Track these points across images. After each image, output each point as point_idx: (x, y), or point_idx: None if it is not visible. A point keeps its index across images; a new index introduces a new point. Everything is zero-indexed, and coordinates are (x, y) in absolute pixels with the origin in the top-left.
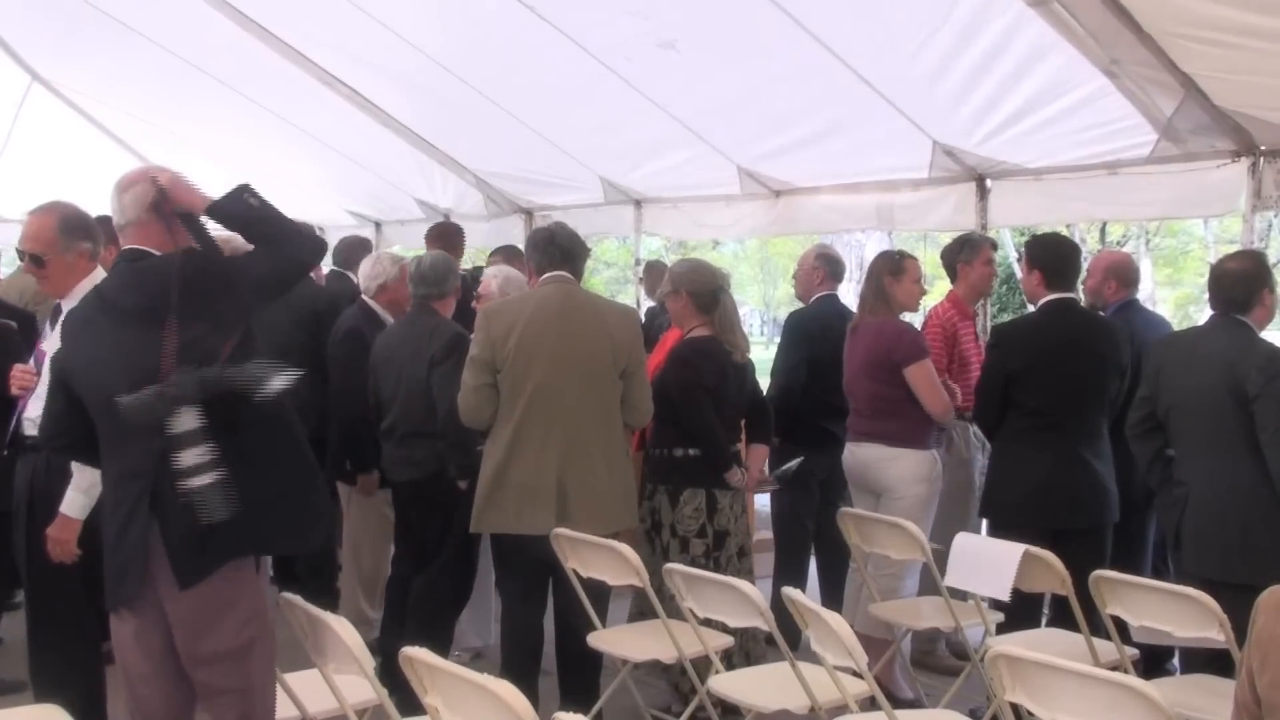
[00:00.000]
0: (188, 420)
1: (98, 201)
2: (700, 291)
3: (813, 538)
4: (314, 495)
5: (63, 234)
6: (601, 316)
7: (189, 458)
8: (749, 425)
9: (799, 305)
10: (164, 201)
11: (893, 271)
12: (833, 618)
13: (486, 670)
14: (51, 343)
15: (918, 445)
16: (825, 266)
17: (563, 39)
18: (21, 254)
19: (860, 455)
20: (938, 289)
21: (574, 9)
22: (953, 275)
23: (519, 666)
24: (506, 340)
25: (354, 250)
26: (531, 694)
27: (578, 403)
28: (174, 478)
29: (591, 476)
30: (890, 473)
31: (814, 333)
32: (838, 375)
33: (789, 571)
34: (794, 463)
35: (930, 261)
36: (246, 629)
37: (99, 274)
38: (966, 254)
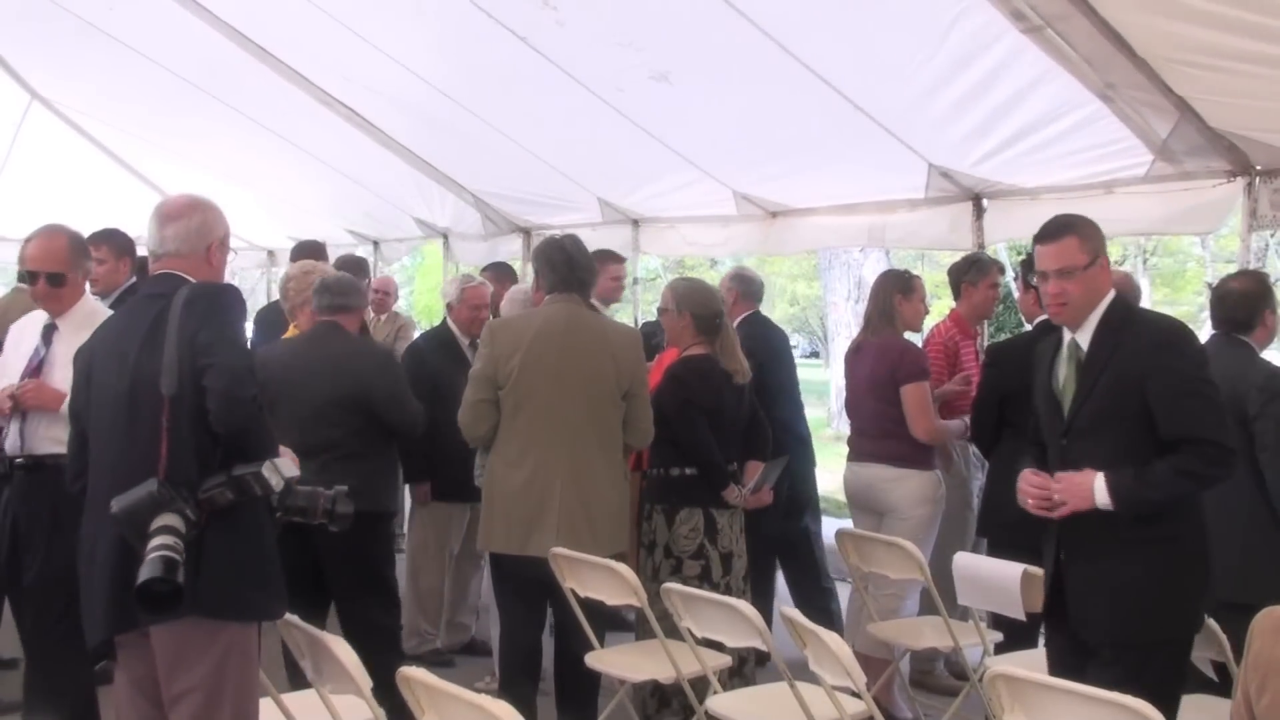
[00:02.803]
0: (167, 519)
1: (97, 218)
2: (703, 314)
3: (776, 552)
4: (269, 566)
5: (74, 254)
6: (606, 337)
7: (153, 543)
8: (745, 441)
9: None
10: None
11: (904, 290)
12: (831, 637)
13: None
14: (53, 360)
15: (923, 466)
16: (738, 287)
17: (556, 70)
18: (35, 275)
19: (864, 475)
20: (936, 308)
21: (566, 41)
22: (957, 294)
23: (517, 686)
24: (510, 358)
25: (351, 269)
26: (530, 714)
27: (581, 423)
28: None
29: (595, 498)
30: (896, 493)
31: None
32: (774, 390)
33: (755, 588)
34: (778, 463)
35: (930, 280)
36: (219, 673)
37: (89, 295)
38: (973, 275)
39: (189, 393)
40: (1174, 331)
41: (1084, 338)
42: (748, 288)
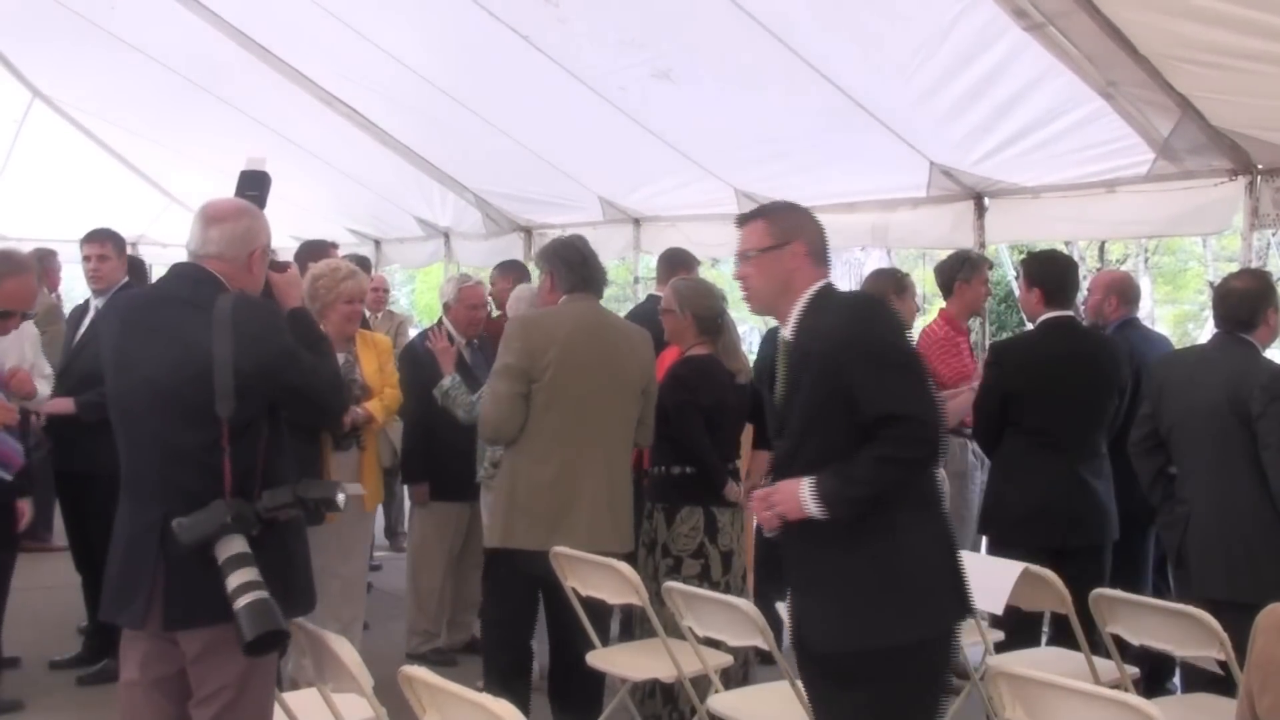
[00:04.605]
0: (235, 545)
1: (97, 216)
2: (705, 314)
3: None
4: (306, 567)
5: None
6: (628, 336)
7: (235, 580)
8: (756, 432)
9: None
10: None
11: (898, 290)
12: None
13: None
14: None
15: None
16: None
17: (558, 68)
18: (10, 314)
19: None
20: (937, 306)
21: (568, 39)
22: (947, 292)
23: (510, 683)
24: (546, 352)
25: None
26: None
27: (610, 420)
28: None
29: (618, 494)
30: None
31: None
32: None
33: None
34: None
35: (929, 280)
36: (249, 670)
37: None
38: (966, 272)
39: (244, 410)
40: (862, 303)
41: (789, 331)
42: None
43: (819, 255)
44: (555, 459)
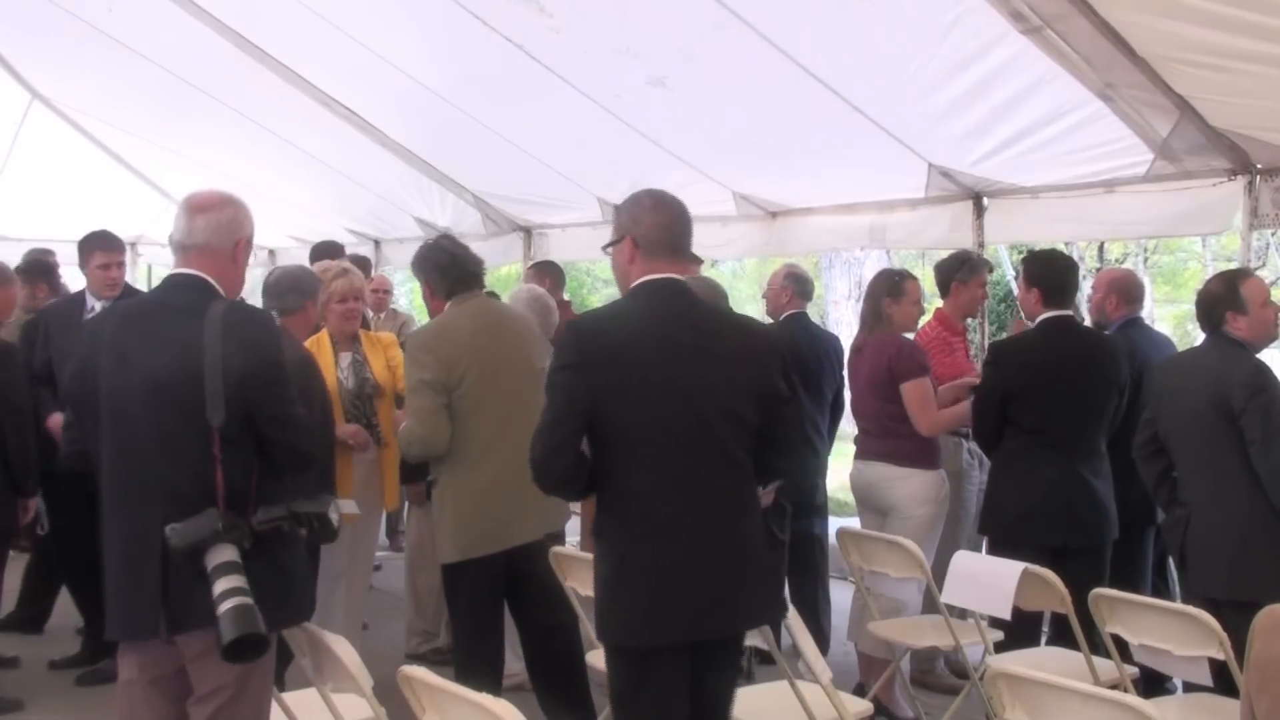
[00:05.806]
0: (225, 553)
1: (97, 218)
2: None
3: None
4: (303, 572)
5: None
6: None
7: (220, 586)
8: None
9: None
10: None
11: (891, 294)
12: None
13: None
14: None
15: (925, 465)
16: (793, 286)
17: (552, 75)
18: None
19: (867, 474)
20: (935, 305)
21: (562, 48)
22: (944, 291)
23: (486, 684)
24: (459, 360)
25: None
26: None
27: (529, 409)
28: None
29: None
30: (897, 492)
31: (783, 350)
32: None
33: None
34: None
35: (928, 279)
36: (248, 671)
37: None
38: (965, 273)
39: (236, 421)
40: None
41: None
42: (802, 287)
43: (653, 248)
44: (494, 459)
